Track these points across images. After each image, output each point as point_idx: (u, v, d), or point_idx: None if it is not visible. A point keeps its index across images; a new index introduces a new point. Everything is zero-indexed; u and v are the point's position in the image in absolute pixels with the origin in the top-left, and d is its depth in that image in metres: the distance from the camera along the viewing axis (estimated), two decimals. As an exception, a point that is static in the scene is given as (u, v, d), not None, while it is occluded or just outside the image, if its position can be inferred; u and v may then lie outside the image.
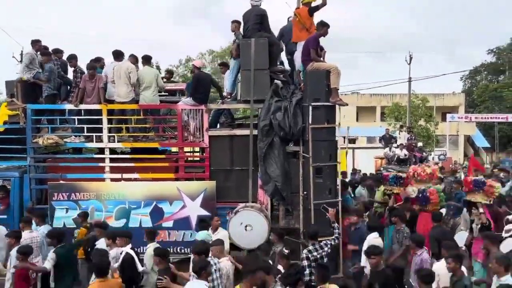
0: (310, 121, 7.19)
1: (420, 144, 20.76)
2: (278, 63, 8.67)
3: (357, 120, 43.74)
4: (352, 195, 10.29)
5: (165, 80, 9.47)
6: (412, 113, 33.46)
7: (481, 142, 40.58)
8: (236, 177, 7.97)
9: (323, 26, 7.28)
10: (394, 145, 18.87)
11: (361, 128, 40.58)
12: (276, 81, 7.97)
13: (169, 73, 9.38)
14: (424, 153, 19.95)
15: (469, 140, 41.57)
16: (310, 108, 7.18)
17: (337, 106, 7.53)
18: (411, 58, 33.90)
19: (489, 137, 40.28)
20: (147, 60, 8.44)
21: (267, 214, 7.68)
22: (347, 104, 7.95)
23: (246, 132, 7.87)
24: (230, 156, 7.95)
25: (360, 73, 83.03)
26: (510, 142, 37.79)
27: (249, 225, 7.31)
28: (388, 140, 20.02)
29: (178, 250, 7.88)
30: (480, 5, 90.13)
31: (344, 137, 33.22)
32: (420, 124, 34.24)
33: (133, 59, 8.29)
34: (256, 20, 7.73)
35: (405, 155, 18.27)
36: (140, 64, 8.55)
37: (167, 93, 9.16)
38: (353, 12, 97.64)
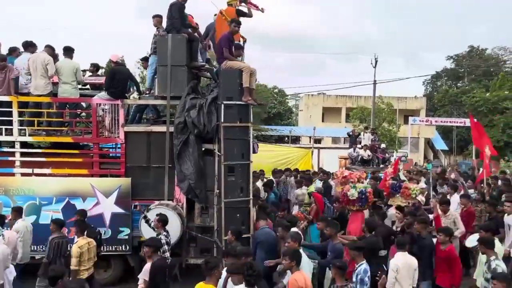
0: (222, 120, 7.16)
1: (383, 145, 21.09)
2: (204, 60, 8.62)
3: (323, 120, 44.29)
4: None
5: (90, 74, 9.24)
6: (376, 115, 34.09)
7: (440, 145, 41.78)
8: (153, 174, 7.87)
9: (232, 23, 7.29)
10: (358, 146, 19.23)
11: (327, 129, 41.14)
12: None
13: (95, 66, 9.16)
14: (386, 154, 20.40)
15: (429, 143, 42.71)
16: (223, 106, 7.14)
17: (263, 106, 7.54)
18: (376, 61, 34.55)
19: (448, 140, 41.50)
20: (67, 51, 8.14)
21: (181, 212, 7.61)
22: (258, 104, 7.98)
23: (163, 129, 7.77)
24: (147, 152, 7.83)
25: (326, 75, 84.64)
26: (467, 145, 38.87)
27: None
28: (353, 141, 20.38)
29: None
30: (442, 14, 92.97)
31: (310, 137, 33.81)
32: (383, 126, 34.92)
33: (50, 50, 8.01)
34: (175, 15, 7.63)
35: (369, 155, 18.65)
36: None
37: (88, 87, 8.93)
38: (321, 14, 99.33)
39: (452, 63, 47.61)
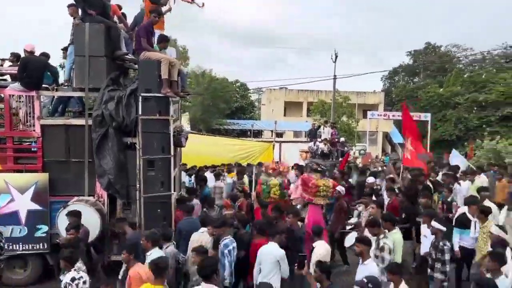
0: (140, 112, 6.95)
1: (342, 139, 21.40)
2: (131, 51, 8.34)
3: (284, 114, 44.56)
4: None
5: (10, 64, 8.76)
6: (336, 109, 34.58)
7: (398, 138, 42.88)
8: (73, 169, 7.57)
9: (151, 13, 7.07)
10: (318, 139, 19.40)
11: (288, 123, 41.45)
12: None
13: (15, 56, 8.69)
14: (345, 148, 20.72)
15: (387, 137, 43.84)
16: (140, 98, 6.92)
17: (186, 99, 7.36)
18: (336, 57, 34.94)
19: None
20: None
21: (101, 207, 7.37)
22: (178, 96, 7.78)
23: (82, 122, 7.47)
24: (66, 146, 7.52)
25: (288, 69, 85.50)
26: (423, 139, 40.17)
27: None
28: (313, 135, 20.54)
29: (6, 247, 7.33)
30: (401, 10, 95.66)
31: (272, 131, 33.91)
32: (343, 120, 35.48)
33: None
34: (94, 4, 7.32)
35: (328, 149, 18.88)
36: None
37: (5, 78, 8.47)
38: (283, 9, 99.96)
39: (410, 59, 49.03)
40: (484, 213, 6.75)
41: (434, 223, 6.05)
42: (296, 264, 5.13)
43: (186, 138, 8.64)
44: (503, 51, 38.97)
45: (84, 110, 8.50)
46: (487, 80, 35.98)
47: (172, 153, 7.22)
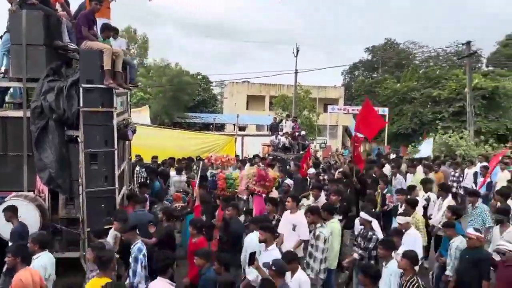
0: (82, 104, 6.69)
1: (303, 133, 21.61)
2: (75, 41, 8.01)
3: (247, 108, 44.56)
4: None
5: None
6: (297, 103, 34.94)
7: (357, 132, 44.03)
8: (11, 163, 7.22)
9: (92, 1, 6.82)
10: (280, 133, 19.49)
11: (251, 116, 41.51)
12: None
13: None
14: (306, 141, 20.96)
15: (346, 131, 44.82)
16: (82, 89, 6.66)
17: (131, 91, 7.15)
18: (297, 51, 35.30)
19: (364, 128, 43.83)
20: None
21: (41, 203, 7.07)
22: (123, 88, 7.57)
23: (20, 113, 7.13)
24: (3, 140, 7.16)
25: (250, 63, 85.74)
26: (381, 133, 41.42)
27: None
28: (275, 128, 20.63)
29: None
30: (361, 7, 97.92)
31: (234, 125, 33.81)
32: (304, 114, 35.94)
33: None
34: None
35: (290, 142, 19.02)
36: None
37: None
38: (245, 2, 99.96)
39: (369, 54, 50.31)
40: (411, 204, 7.04)
41: (362, 214, 6.27)
42: None
43: (134, 131, 8.45)
44: (455, 48, 40.79)
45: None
46: (441, 76, 37.54)
47: (116, 146, 7.01)
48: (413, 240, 5.87)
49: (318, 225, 6.06)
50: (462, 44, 26.63)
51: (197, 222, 6.12)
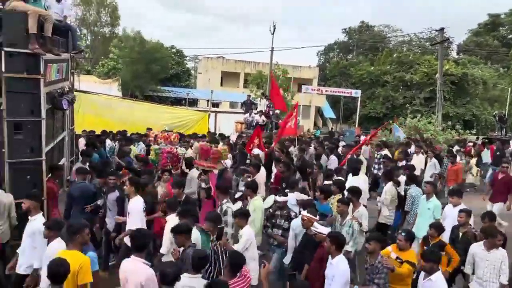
0: (4, 69, 6.14)
1: (277, 111, 21.52)
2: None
3: (221, 85, 44.00)
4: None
5: None
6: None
7: (329, 113, 44.52)
8: None
9: None
10: (254, 111, 19.32)
11: (225, 93, 41.06)
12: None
13: None
14: (280, 120, 20.93)
15: (319, 111, 45.21)
16: (4, 54, 6.09)
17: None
18: (274, 29, 34.85)
19: (335, 109, 44.41)
20: None
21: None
22: (53, 54, 7.05)
23: None
24: None
25: (225, 39, 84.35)
26: (352, 115, 42.17)
27: None
28: (248, 106, 20.45)
29: None
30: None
31: (208, 100, 33.36)
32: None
33: None
34: None
35: (263, 121, 18.90)
36: None
37: None
38: None
39: (345, 36, 50.46)
40: (324, 193, 6.89)
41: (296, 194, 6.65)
42: None
43: (71, 101, 8.03)
44: (428, 34, 41.45)
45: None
46: (413, 61, 38.18)
47: (43, 116, 6.55)
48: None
49: (224, 201, 6.23)
50: (436, 30, 27.01)
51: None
